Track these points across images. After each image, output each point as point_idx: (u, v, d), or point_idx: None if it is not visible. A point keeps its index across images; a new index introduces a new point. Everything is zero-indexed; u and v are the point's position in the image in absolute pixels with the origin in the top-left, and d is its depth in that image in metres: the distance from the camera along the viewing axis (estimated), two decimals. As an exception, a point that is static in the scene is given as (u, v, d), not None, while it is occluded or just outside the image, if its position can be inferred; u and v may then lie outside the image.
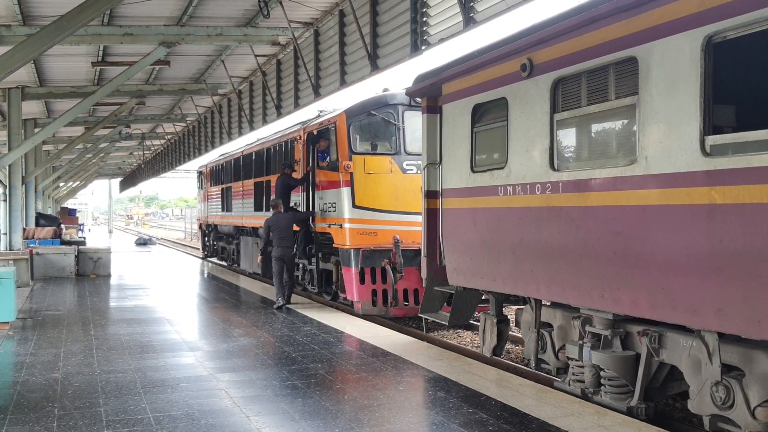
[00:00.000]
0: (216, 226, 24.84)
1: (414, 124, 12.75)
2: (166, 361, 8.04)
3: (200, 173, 27.96)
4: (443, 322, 9.16)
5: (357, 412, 6.01)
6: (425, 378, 7.26)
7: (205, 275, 20.05)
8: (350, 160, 12.71)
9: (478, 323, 8.99)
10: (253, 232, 19.04)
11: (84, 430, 5.47)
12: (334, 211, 13.13)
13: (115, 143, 34.47)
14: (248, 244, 19.51)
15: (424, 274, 9.41)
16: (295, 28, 14.53)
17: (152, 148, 40.29)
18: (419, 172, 12.25)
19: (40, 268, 18.05)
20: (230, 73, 18.83)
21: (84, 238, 29.42)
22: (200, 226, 28.58)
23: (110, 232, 61.32)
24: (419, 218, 11.84)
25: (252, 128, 20.85)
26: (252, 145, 20.23)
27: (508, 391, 6.69)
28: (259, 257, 14.45)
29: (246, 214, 19.81)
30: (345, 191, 12.70)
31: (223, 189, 23.06)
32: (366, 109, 12.99)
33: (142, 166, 48.10)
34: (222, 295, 14.68)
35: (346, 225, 12.67)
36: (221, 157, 24.31)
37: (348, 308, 13.03)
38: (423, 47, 10.84)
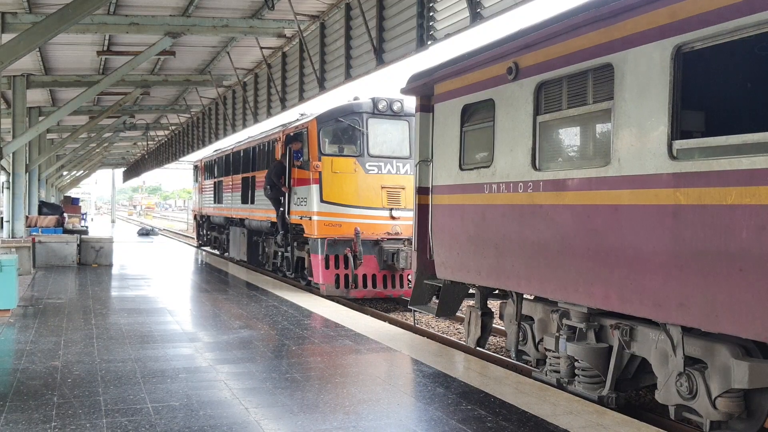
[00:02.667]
0: (209, 216, 26.60)
1: (377, 130, 14.74)
2: (165, 352, 8.05)
3: (196, 167, 29.77)
4: (431, 314, 9.47)
5: (356, 405, 6.00)
6: (424, 373, 7.25)
7: (204, 265, 20.17)
8: (319, 160, 14.46)
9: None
10: (241, 222, 20.85)
11: (83, 419, 5.47)
12: (305, 205, 14.89)
13: (119, 133, 34.46)
14: (236, 234, 21.25)
15: (414, 267, 9.71)
16: (301, 21, 14.50)
17: (156, 139, 40.28)
18: (380, 172, 14.61)
19: (42, 257, 18.06)
20: (235, 65, 18.80)
21: (86, 227, 29.44)
22: (195, 217, 30.56)
23: (113, 221, 61.47)
24: (378, 212, 14.51)
25: (256, 120, 20.84)
26: (241, 143, 21.83)
27: (507, 388, 6.69)
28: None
29: (234, 206, 21.46)
30: (314, 188, 14.47)
31: (215, 183, 24.91)
32: (334, 116, 14.70)
33: (146, 156, 48.08)
34: (222, 287, 14.69)
35: (315, 217, 14.44)
36: (214, 153, 26.07)
37: (318, 291, 14.38)
38: (429, 42, 10.80)
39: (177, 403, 5.93)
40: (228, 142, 25.65)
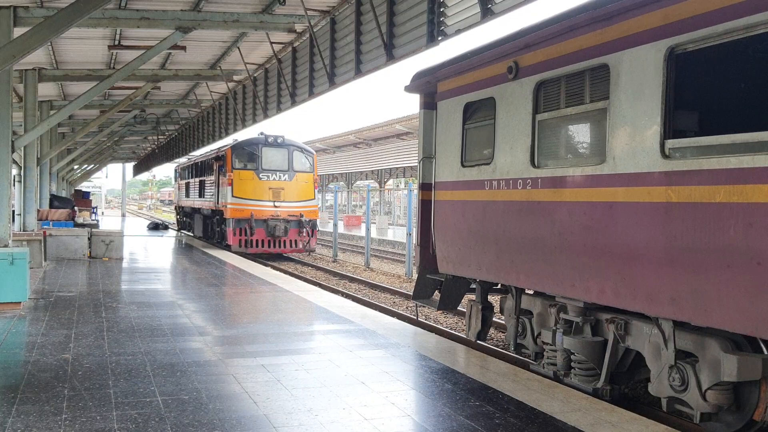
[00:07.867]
0: (183, 207, 36.92)
1: (267, 154, 24.83)
2: (175, 345, 8.10)
3: (175, 170, 40.78)
4: (433, 308, 9.61)
5: (365, 399, 6.02)
6: (432, 369, 7.26)
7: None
8: (232, 172, 24.43)
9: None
10: (199, 210, 31.00)
11: (93, 411, 5.51)
12: (225, 199, 24.80)
13: (130, 127, 34.57)
14: (197, 219, 31.73)
15: (417, 262, 9.85)
16: (311, 16, 14.49)
17: (166, 133, 40.37)
18: (269, 179, 24.55)
19: (53, 250, 18.18)
20: (246, 59, 18.81)
21: (97, 221, 29.60)
22: (175, 208, 41.71)
23: (123, 215, 61.73)
24: (266, 203, 24.32)
25: (266, 116, 20.85)
26: (201, 156, 32.14)
27: (515, 384, 6.69)
28: None
29: (196, 199, 31.89)
30: (229, 188, 24.40)
31: (186, 183, 35.38)
32: (242, 145, 25.01)
33: (156, 150, 48.19)
34: (230, 280, 14.75)
35: (229, 206, 24.35)
36: (187, 161, 36.59)
37: (230, 249, 23.87)
38: (439, 38, 10.77)
39: (187, 397, 5.97)
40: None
